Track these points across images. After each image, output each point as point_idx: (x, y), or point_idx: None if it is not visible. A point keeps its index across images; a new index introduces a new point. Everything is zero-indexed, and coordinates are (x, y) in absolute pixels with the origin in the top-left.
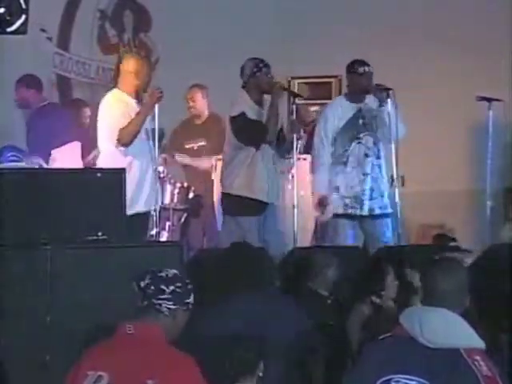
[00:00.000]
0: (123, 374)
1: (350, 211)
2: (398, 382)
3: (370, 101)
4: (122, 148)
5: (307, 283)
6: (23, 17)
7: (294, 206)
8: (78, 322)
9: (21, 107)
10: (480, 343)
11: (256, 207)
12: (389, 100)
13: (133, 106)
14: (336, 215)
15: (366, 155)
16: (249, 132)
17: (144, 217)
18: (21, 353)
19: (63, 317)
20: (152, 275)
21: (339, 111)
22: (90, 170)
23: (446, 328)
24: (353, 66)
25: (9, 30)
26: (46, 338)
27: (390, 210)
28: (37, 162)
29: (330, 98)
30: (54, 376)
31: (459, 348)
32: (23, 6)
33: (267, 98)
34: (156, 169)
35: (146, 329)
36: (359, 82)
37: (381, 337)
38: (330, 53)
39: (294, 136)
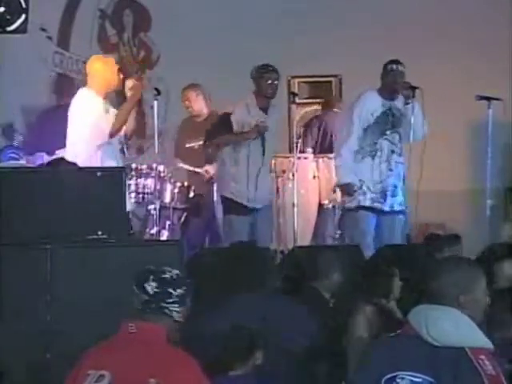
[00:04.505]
0: (125, 372)
1: (375, 205)
2: (402, 378)
3: (399, 99)
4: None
5: (310, 283)
6: (23, 16)
7: (294, 205)
8: (78, 322)
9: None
10: (487, 343)
11: (239, 208)
12: (414, 99)
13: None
14: (361, 207)
15: (393, 152)
16: None
17: None
18: (21, 353)
19: (63, 316)
20: (155, 276)
21: (372, 105)
22: (89, 169)
23: (452, 327)
24: (386, 64)
25: (9, 29)
26: (46, 338)
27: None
28: (41, 158)
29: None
30: (54, 376)
31: (465, 347)
32: (23, 6)
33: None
34: (156, 167)
35: (148, 328)
36: (389, 79)
37: (389, 334)
38: (329, 52)
39: (295, 136)
